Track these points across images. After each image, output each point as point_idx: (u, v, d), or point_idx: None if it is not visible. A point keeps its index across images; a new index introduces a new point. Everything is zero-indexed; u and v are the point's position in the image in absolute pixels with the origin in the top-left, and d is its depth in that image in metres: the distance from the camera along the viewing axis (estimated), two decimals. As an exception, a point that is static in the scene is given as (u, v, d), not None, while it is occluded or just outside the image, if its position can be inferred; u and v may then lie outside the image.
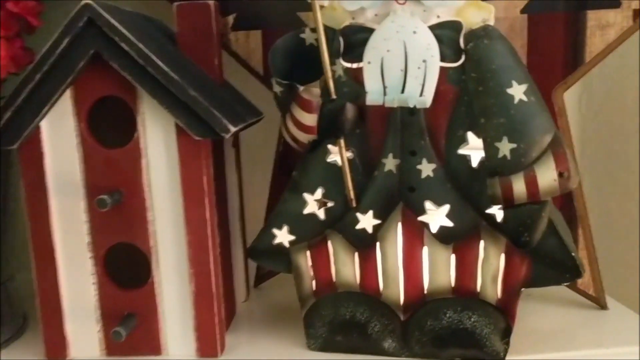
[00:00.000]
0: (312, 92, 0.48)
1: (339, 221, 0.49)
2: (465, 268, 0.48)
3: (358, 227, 0.49)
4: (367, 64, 0.46)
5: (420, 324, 0.49)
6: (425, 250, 0.48)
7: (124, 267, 0.50)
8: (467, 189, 0.47)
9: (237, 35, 0.60)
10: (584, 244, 0.57)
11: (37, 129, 0.48)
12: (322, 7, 0.47)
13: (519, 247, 0.46)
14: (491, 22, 0.45)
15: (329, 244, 0.50)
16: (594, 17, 0.55)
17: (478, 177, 0.46)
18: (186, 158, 0.48)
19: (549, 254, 0.46)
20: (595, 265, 0.57)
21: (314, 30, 0.47)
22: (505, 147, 0.44)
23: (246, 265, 0.60)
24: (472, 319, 0.48)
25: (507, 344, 0.48)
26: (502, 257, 0.47)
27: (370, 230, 0.49)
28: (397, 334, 0.50)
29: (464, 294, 0.48)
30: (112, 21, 0.45)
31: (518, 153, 0.44)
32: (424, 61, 0.45)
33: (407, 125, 0.46)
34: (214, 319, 0.50)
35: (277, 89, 0.50)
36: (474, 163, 0.46)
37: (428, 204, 0.47)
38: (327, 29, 0.46)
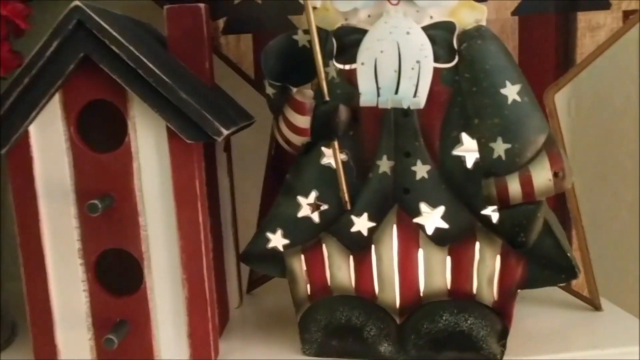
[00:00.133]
0: (305, 94, 0.48)
1: (334, 224, 0.49)
2: (461, 270, 0.48)
3: (353, 230, 0.48)
4: (360, 65, 0.45)
5: (416, 327, 0.49)
6: (420, 252, 0.48)
7: (116, 273, 0.49)
8: (462, 190, 0.46)
9: (228, 39, 0.60)
10: (577, 245, 0.57)
11: (26, 133, 0.47)
12: (314, 8, 0.46)
13: (515, 248, 0.46)
14: (484, 23, 0.46)
15: (324, 247, 0.50)
16: (584, 19, 0.55)
17: (473, 178, 0.46)
18: (178, 162, 0.47)
19: (545, 254, 0.46)
20: (589, 267, 0.57)
21: (307, 31, 0.47)
22: (499, 148, 0.44)
23: (239, 271, 0.60)
24: (469, 322, 0.48)
25: (504, 346, 0.48)
26: (498, 258, 0.47)
27: (365, 233, 0.48)
28: (393, 337, 0.49)
29: (460, 296, 0.48)
30: (102, 23, 0.44)
31: (513, 153, 0.44)
32: (418, 62, 0.44)
33: (401, 127, 0.46)
34: (208, 324, 0.49)
35: (270, 90, 0.49)
36: (469, 164, 0.46)
37: (423, 206, 0.47)
38: (320, 31, 0.46)
